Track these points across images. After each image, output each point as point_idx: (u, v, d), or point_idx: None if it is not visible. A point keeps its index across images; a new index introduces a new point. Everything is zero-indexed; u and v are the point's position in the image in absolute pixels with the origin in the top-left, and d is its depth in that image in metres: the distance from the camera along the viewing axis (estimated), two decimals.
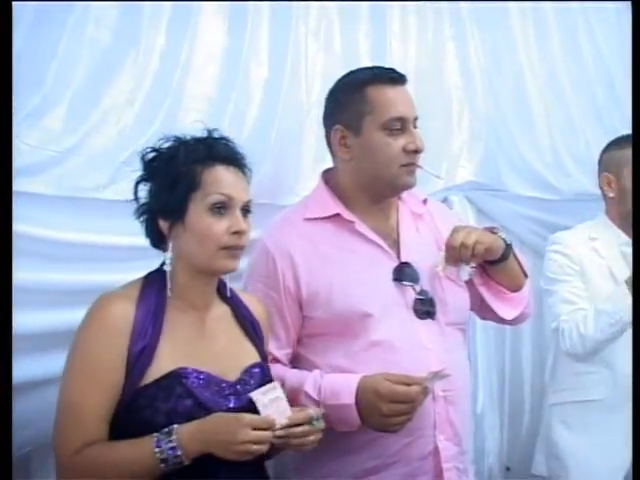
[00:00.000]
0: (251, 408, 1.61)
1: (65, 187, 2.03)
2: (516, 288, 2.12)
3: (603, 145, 2.70)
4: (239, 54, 2.40)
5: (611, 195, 2.59)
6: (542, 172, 3.14)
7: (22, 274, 1.84)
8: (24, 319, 1.84)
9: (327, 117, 2.04)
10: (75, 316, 1.97)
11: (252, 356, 1.75)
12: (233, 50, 2.39)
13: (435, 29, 2.87)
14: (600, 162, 2.66)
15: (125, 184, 2.14)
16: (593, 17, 3.23)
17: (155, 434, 1.52)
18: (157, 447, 1.51)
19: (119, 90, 2.15)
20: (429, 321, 1.94)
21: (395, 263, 1.97)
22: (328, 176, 2.09)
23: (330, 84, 2.57)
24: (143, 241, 2.16)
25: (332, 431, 1.78)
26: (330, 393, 1.84)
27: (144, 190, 1.72)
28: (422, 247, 2.02)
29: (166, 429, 1.52)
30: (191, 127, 1.75)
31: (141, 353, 1.58)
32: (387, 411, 1.78)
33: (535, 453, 2.68)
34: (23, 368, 1.89)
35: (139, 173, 1.71)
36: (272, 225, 2.06)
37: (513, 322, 2.25)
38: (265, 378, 1.72)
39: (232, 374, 1.68)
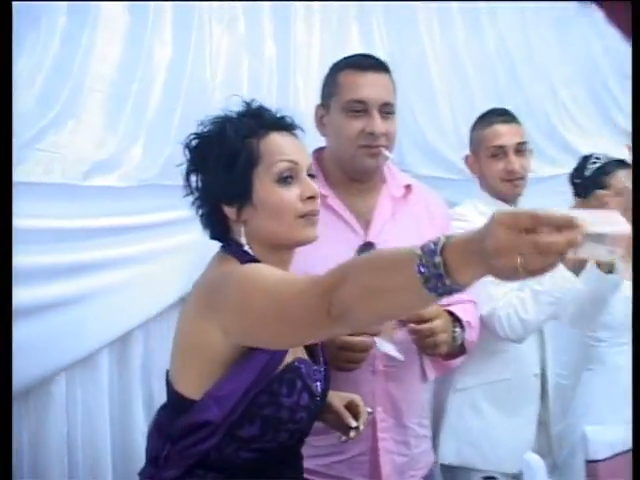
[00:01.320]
0: (324, 396, 1.62)
1: None
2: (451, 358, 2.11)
3: None
4: (142, 34, 2.38)
5: (474, 174, 2.59)
6: (445, 152, 3.20)
7: None
8: None
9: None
10: None
11: None
12: (136, 30, 2.37)
13: (340, 12, 2.90)
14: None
15: (27, 166, 2.13)
16: (496, 4, 3.33)
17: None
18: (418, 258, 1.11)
19: (19, 71, 2.10)
20: None
21: (361, 241, 2.02)
22: (318, 153, 2.13)
23: (235, 66, 2.60)
24: (50, 223, 2.17)
25: None
26: None
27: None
28: (394, 230, 2.05)
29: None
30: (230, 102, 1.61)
31: None
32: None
33: (441, 444, 2.50)
34: None
35: (185, 164, 1.59)
36: None
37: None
38: (324, 358, 1.68)
39: (315, 358, 1.63)
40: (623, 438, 2.04)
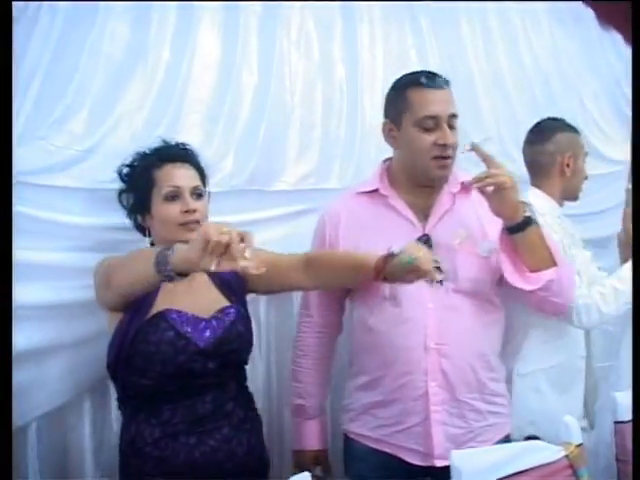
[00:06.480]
0: (221, 339, 1.86)
1: (86, 180, 2.07)
2: (535, 269, 2.02)
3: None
4: (232, 64, 2.44)
5: None
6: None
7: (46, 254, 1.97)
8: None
9: (384, 111, 2.12)
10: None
11: (222, 302, 1.95)
12: (227, 60, 2.43)
13: (399, 39, 2.90)
14: None
15: None
16: (530, 27, 3.32)
17: None
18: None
19: (130, 98, 2.18)
20: (438, 285, 1.97)
21: (419, 234, 2.03)
22: (387, 162, 2.17)
23: (310, 87, 2.64)
24: None
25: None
26: None
27: None
28: (452, 223, 2.03)
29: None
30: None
31: (144, 299, 1.84)
32: None
33: None
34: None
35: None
36: (336, 197, 2.25)
37: (536, 306, 2.15)
38: (239, 315, 1.94)
39: (205, 314, 1.90)
40: None
